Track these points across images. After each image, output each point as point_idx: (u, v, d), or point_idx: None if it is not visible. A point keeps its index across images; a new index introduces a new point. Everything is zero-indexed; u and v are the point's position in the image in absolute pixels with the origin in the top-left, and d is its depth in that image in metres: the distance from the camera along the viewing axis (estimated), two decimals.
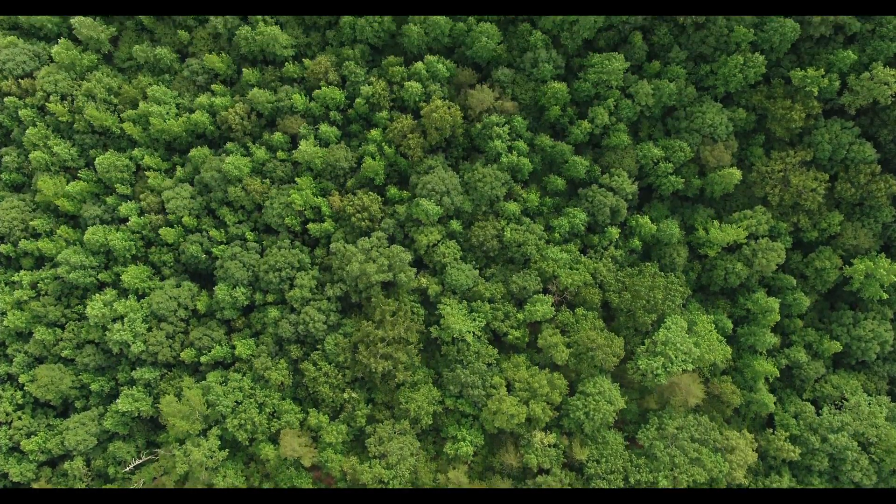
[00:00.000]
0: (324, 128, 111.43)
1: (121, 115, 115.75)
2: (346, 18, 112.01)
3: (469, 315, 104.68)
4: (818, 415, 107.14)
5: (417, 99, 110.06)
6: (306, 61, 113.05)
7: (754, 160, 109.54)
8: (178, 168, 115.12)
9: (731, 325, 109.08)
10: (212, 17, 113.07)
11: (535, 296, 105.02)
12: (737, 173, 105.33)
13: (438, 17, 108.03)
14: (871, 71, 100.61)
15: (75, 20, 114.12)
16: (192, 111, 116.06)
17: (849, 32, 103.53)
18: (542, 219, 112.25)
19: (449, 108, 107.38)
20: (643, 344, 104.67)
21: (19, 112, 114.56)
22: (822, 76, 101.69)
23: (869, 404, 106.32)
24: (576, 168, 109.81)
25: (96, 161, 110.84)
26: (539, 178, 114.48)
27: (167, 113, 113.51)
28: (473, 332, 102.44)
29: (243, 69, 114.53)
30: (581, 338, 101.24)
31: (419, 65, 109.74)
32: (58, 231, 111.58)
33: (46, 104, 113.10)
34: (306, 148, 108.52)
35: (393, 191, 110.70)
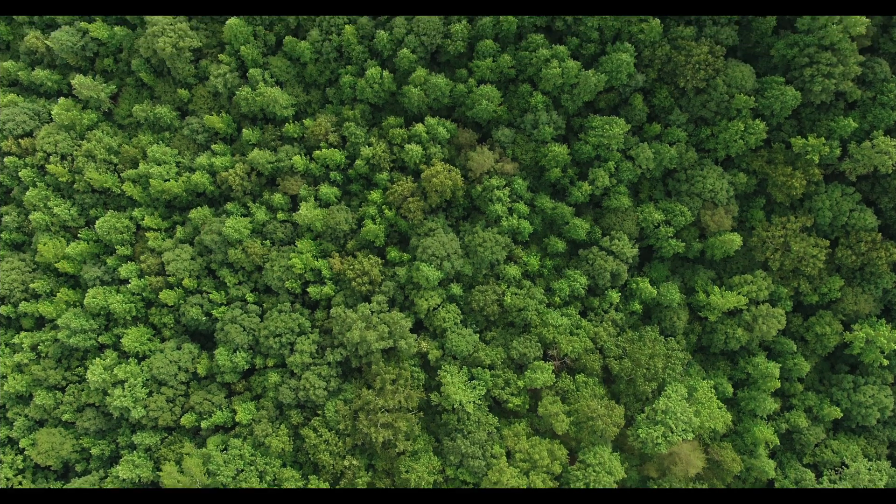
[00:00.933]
0: (324, 189, 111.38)
1: (121, 174, 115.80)
2: (345, 78, 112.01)
3: (469, 383, 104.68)
4: (818, 482, 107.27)
5: (418, 161, 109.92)
6: (307, 122, 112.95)
7: (755, 223, 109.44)
8: (179, 227, 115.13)
9: (731, 390, 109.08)
10: (211, 77, 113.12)
11: (536, 362, 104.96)
12: (737, 240, 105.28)
13: (439, 79, 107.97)
14: (872, 140, 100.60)
15: (75, 81, 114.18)
16: (192, 170, 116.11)
17: (850, 99, 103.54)
18: (543, 280, 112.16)
19: (449, 171, 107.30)
20: (643, 411, 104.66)
21: (19, 172, 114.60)
22: (824, 143, 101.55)
23: (869, 470, 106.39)
24: (576, 231, 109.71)
25: (97, 224, 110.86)
26: (540, 239, 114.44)
27: (167, 173, 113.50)
28: (474, 402, 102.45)
29: (243, 129, 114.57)
30: (581, 406, 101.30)
31: (419, 127, 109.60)
32: (58, 294, 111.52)
33: (46, 165, 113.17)
34: (306, 212, 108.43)
35: (393, 253, 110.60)
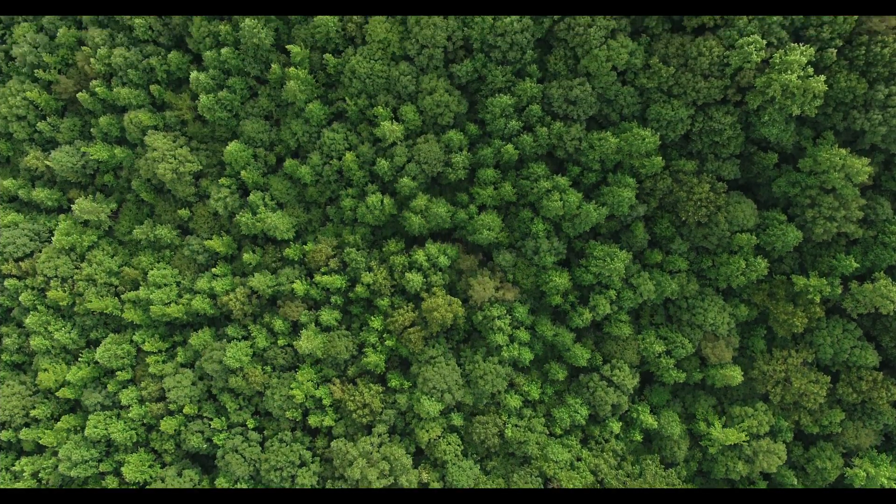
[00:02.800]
0: (324, 315, 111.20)
1: (121, 296, 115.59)
2: (346, 201, 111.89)
3: None
4: None
5: (419, 289, 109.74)
6: (307, 247, 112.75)
7: (756, 354, 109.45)
8: (179, 349, 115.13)
9: None
10: (212, 201, 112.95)
11: None
12: (738, 375, 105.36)
13: (440, 207, 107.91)
14: (874, 282, 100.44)
15: (76, 206, 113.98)
16: (192, 291, 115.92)
17: (851, 238, 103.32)
18: (544, 406, 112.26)
19: (450, 304, 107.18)
20: None
21: (20, 296, 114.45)
22: (825, 283, 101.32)
23: None
24: (577, 359, 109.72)
25: (97, 354, 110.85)
26: (541, 363, 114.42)
27: (167, 296, 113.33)
28: None
29: (244, 253, 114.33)
30: None
31: (420, 254, 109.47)
32: (59, 422, 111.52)
33: (46, 291, 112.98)
34: (307, 342, 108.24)
35: (395, 381, 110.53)
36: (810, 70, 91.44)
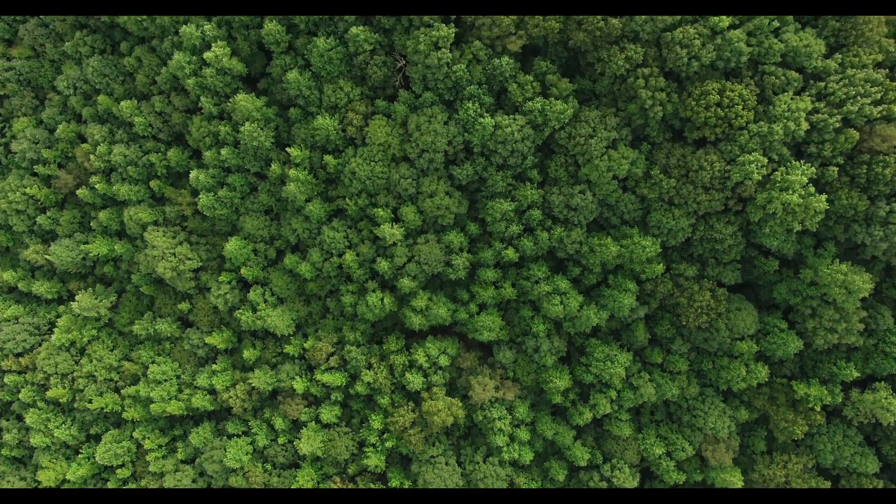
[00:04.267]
0: (325, 414, 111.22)
1: (121, 391, 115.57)
2: (346, 298, 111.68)
3: None
4: None
5: (419, 389, 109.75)
6: (307, 344, 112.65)
7: (756, 456, 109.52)
8: (179, 444, 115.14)
9: None
10: (212, 297, 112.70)
11: None
12: (738, 480, 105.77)
13: (440, 308, 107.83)
14: (875, 393, 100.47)
15: (75, 304, 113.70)
16: (192, 386, 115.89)
17: (852, 346, 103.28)
18: None
19: (450, 406, 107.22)
20: None
21: (20, 393, 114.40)
22: (826, 392, 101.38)
23: None
24: (577, 458, 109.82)
25: (97, 453, 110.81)
26: (541, 460, 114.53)
27: (167, 392, 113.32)
28: None
29: (244, 349, 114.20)
30: None
31: (420, 353, 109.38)
32: None
33: (46, 387, 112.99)
34: (307, 444, 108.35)
35: (395, 481, 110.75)
36: (811, 189, 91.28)
